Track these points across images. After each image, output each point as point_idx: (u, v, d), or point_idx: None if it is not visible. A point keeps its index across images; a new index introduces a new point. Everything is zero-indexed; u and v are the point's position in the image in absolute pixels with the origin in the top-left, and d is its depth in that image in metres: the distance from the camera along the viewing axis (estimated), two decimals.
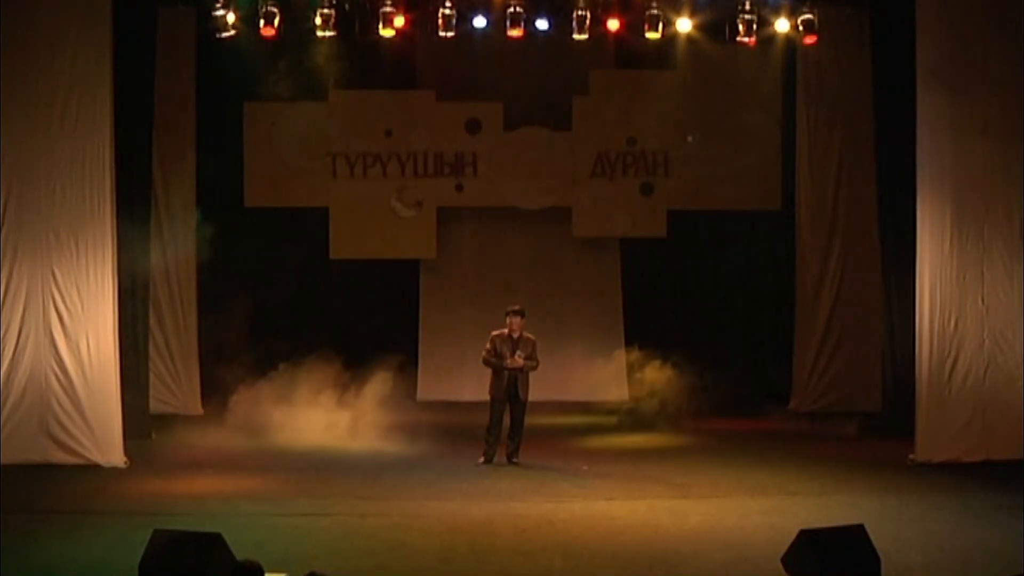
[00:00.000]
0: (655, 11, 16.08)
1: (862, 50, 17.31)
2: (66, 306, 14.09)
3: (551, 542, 10.86)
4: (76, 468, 13.79)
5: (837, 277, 18.19)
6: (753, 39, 16.26)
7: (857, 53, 17.45)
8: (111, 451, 14.07)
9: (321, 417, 15.76)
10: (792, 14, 16.27)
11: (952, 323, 14.34)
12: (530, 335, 14.38)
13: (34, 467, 13.71)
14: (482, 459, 14.35)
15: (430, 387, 18.92)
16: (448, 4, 15.94)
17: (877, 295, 16.88)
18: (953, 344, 14.34)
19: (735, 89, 18.67)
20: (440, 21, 16.00)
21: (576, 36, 16.30)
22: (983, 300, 14.37)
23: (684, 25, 16.33)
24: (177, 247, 17.47)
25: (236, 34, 16.04)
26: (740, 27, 16.09)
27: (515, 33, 16.12)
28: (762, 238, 18.77)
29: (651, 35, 16.24)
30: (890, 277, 16.30)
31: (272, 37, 15.97)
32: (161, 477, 13.56)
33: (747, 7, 16.08)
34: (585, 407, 17.97)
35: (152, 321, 16.91)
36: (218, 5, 15.82)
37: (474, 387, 16.35)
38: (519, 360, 14.19)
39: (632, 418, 17.08)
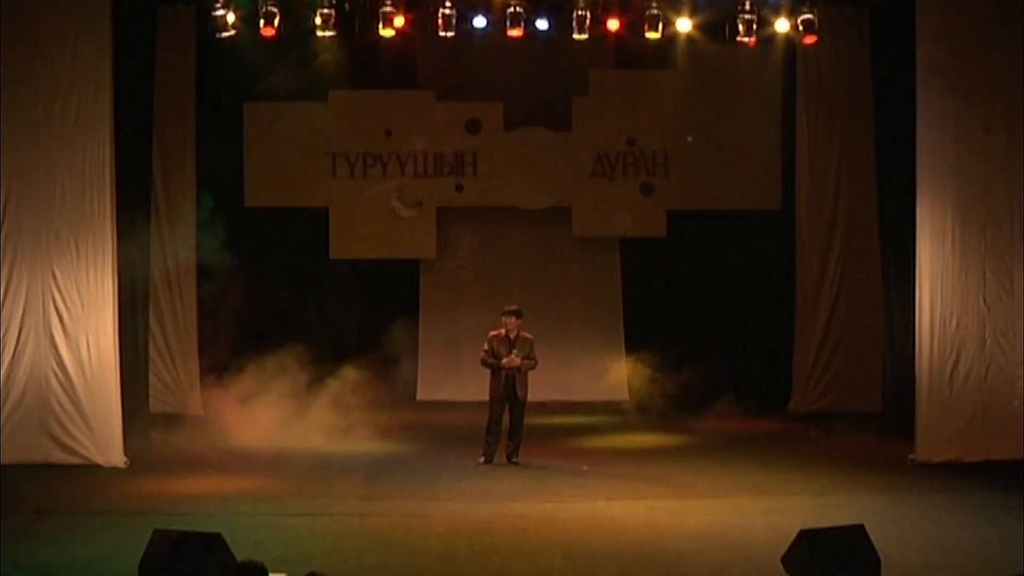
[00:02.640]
0: (655, 11, 16.05)
1: (862, 50, 17.31)
2: (66, 306, 14.08)
3: (551, 542, 10.86)
4: (76, 468, 13.78)
5: (837, 277, 18.17)
6: (753, 39, 16.23)
7: (857, 53, 17.44)
8: (111, 451, 14.06)
9: (320, 417, 15.74)
10: (792, 14, 16.24)
11: (953, 323, 14.33)
12: (527, 334, 14.38)
13: (34, 467, 13.70)
14: (482, 459, 14.34)
15: (430, 387, 18.91)
16: (448, 4, 15.92)
17: (877, 295, 16.89)
18: (954, 344, 14.32)
19: (735, 89, 18.64)
20: (440, 21, 15.98)
21: (576, 36, 16.27)
22: (985, 300, 14.35)
23: (684, 25, 16.31)
24: (177, 247, 17.44)
25: (236, 34, 15.99)
26: (740, 27, 16.06)
27: (515, 33, 16.10)
28: (762, 238, 18.74)
29: (651, 35, 16.21)
30: (890, 277, 16.31)
31: (272, 37, 15.93)
32: (161, 477, 13.56)
33: (747, 7, 16.06)
34: (585, 407, 17.95)
35: (152, 321, 16.93)
36: (218, 5, 15.79)
37: (474, 387, 16.32)
38: (516, 360, 14.19)
39: (632, 418, 17.07)
